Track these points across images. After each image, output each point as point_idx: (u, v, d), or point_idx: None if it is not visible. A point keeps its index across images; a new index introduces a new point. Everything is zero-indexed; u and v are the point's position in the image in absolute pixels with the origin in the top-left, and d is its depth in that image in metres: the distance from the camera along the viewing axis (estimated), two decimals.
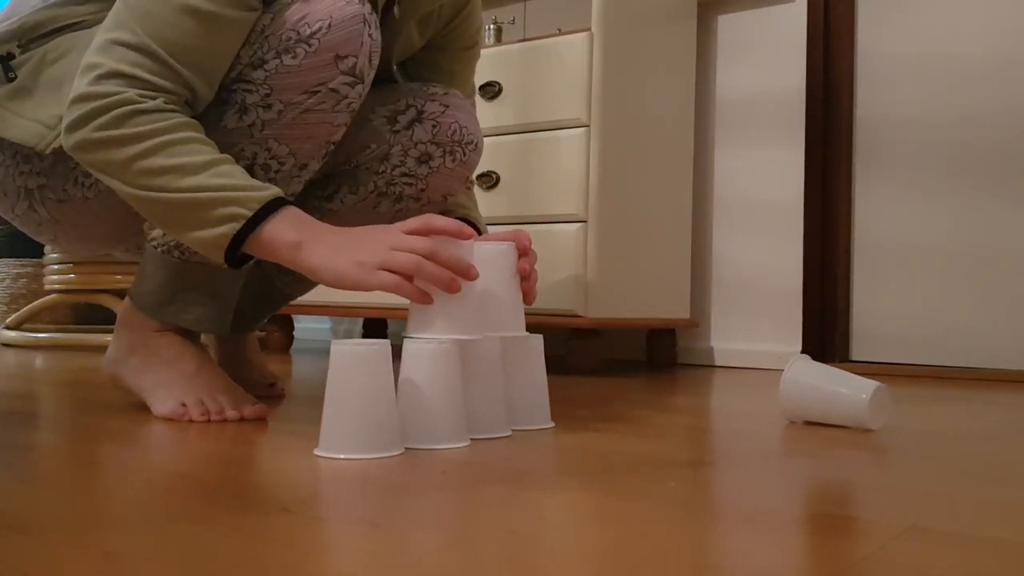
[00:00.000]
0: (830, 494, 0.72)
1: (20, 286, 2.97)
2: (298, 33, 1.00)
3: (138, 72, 0.94)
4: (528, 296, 1.07)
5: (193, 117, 0.98)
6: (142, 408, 1.13)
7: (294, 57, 1.00)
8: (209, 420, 1.05)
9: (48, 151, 1.03)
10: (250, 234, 0.92)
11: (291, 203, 0.95)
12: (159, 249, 1.09)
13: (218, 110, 1.02)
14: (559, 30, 2.10)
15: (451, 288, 0.91)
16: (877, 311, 2.07)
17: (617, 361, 2.29)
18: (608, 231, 1.84)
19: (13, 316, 2.60)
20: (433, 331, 0.93)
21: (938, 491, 0.73)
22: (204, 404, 1.07)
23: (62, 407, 1.19)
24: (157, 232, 1.09)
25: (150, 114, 0.93)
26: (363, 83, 1.04)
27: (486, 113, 1.95)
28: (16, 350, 2.35)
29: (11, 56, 1.08)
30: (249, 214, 0.92)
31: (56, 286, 2.51)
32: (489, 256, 1.03)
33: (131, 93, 0.93)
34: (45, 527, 0.57)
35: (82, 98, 0.93)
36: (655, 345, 2.17)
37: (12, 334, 2.50)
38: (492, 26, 2.22)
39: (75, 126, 0.94)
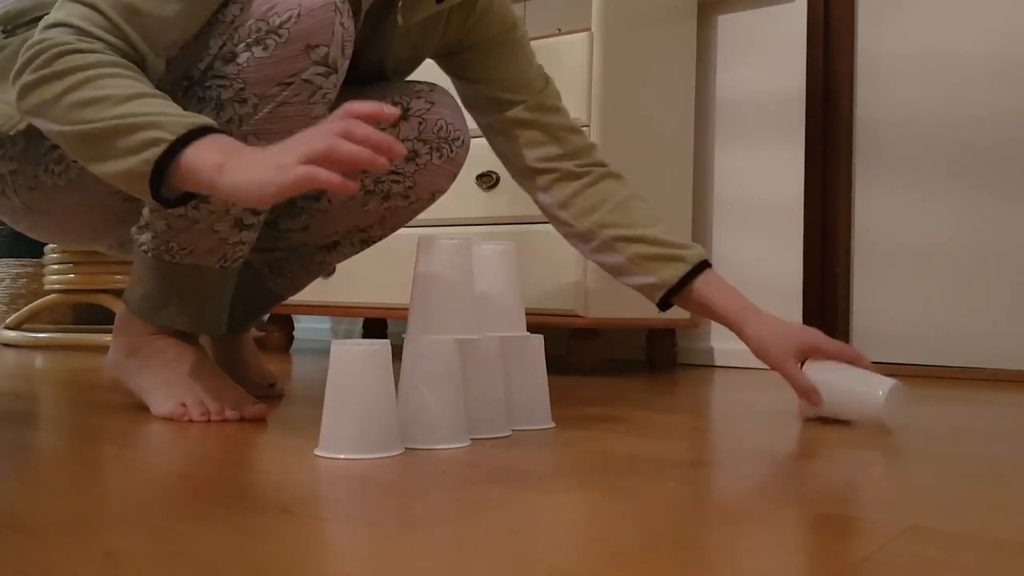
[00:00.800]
0: (830, 494, 0.72)
1: (20, 286, 2.97)
2: (267, 23, 0.98)
3: (84, 24, 0.92)
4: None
5: None
6: (142, 408, 1.13)
7: (264, 49, 0.98)
8: (209, 420, 1.05)
9: (13, 132, 1.03)
10: (172, 160, 0.87)
11: (222, 132, 0.90)
12: (149, 253, 1.08)
13: (195, 109, 1.02)
14: (559, 30, 2.10)
15: (375, 165, 0.82)
16: (877, 311, 2.07)
17: (617, 361, 2.29)
18: None
19: (13, 316, 2.60)
20: (433, 331, 0.93)
21: (938, 491, 0.73)
22: (204, 404, 1.07)
23: (62, 407, 1.19)
24: (146, 236, 1.08)
25: (84, 53, 0.91)
26: (336, 72, 1.02)
27: None
28: (16, 350, 2.35)
29: None
30: (172, 138, 0.86)
31: (56, 286, 2.51)
32: (489, 256, 1.03)
33: (70, 37, 0.91)
34: (45, 527, 0.57)
35: (26, 47, 0.92)
36: (655, 345, 2.17)
37: (12, 334, 2.50)
38: None
39: (17, 74, 0.93)
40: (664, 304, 1.22)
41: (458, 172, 1.26)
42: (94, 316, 3.04)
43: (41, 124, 0.93)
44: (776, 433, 1.04)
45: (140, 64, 0.96)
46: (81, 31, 0.92)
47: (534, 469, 0.79)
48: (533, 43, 1.91)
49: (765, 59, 2.17)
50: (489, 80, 1.25)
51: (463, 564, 0.50)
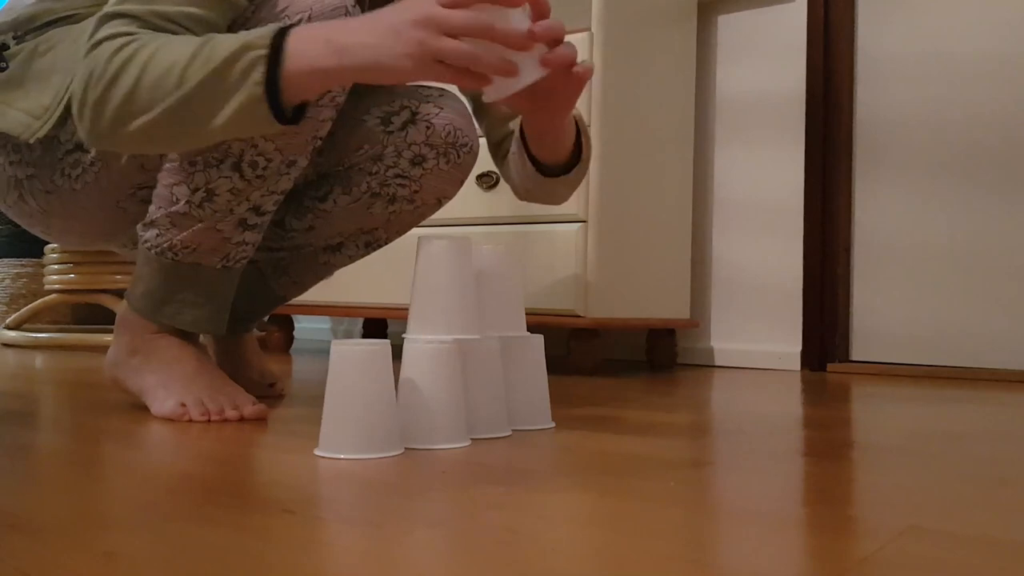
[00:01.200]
0: (830, 494, 0.72)
1: (20, 286, 2.97)
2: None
3: (122, 28, 0.92)
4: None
5: None
6: (142, 408, 1.13)
7: None
8: (209, 420, 1.05)
9: (33, 140, 1.04)
10: (279, 71, 0.86)
11: (294, 25, 0.90)
12: (153, 251, 1.08)
13: None
14: None
15: (511, 72, 0.86)
16: (877, 311, 2.07)
17: (617, 361, 2.29)
18: (608, 231, 1.84)
19: (13, 316, 2.60)
20: (433, 331, 0.93)
21: (938, 491, 0.73)
22: (204, 404, 1.07)
23: (62, 407, 1.19)
24: (150, 234, 1.08)
25: (129, 42, 0.91)
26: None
27: None
28: (16, 350, 2.35)
29: (5, 47, 1.09)
30: (265, 51, 0.85)
31: (56, 286, 2.51)
32: (489, 257, 1.03)
33: (105, 44, 0.91)
34: (45, 527, 0.57)
35: (78, 79, 0.93)
36: (655, 345, 2.16)
37: (12, 334, 2.50)
38: None
39: (81, 102, 0.92)
40: (535, 162, 1.19)
41: (465, 178, 1.26)
42: (94, 316, 3.04)
43: (129, 133, 0.91)
44: (776, 433, 1.04)
45: None
46: (124, 33, 0.92)
47: (534, 469, 0.79)
48: None
49: (765, 59, 2.17)
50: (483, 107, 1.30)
51: (463, 564, 0.50)
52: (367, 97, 1.20)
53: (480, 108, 1.31)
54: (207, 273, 1.09)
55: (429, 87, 1.24)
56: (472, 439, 0.94)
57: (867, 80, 2.09)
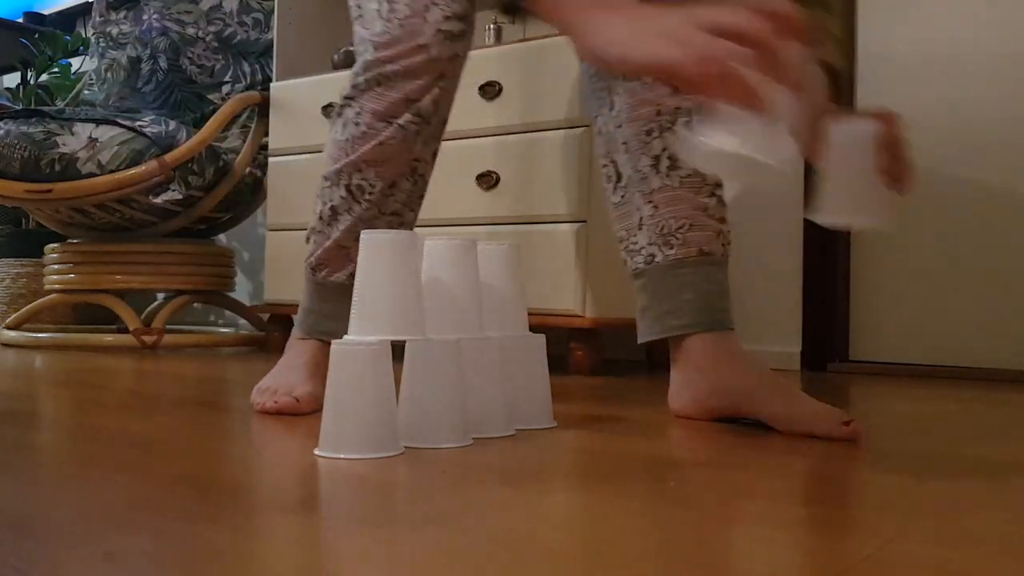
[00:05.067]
0: (830, 494, 0.72)
1: (20, 286, 2.98)
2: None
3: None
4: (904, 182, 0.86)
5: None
6: (142, 408, 1.13)
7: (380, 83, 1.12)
8: (266, 410, 1.12)
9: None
10: None
11: None
12: (307, 266, 1.22)
13: (336, 120, 1.18)
14: None
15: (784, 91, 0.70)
16: (877, 311, 2.07)
17: (617, 361, 2.29)
18: (608, 231, 1.84)
19: (13, 316, 2.60)
20: (434, 331, 0.93)
21: (937, 491, 0.73)
22: (268, 392, 1.14)
23: (62, 407, 1.19)
24: (309, 248, 1.22)
25: None
26: (430, 124, 1.14)
27: (487, 113, 1.95)
28: (16, 350, 2.35)
29: None
30: None
31: (56, 286, 2.51)
32: (491, 254, 1.03)
33: None
34: (45, 527, 0.57)
35: None
36: (655, 345, 2.16)
37: (12, 334, 2.50)
38: (492, 26, 2.22)
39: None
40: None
41: None
42: (94, 316, 3.04)
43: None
44: (776, 433, 1.04)
45: None
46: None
47: (535, 469, 0.79)
48: (534, 43, 1.91)
49: None
50: None
51: (463, 564, 0.50)
52: None
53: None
54: (337, 289, 1.20)
55: None
56: (473, 438, 0.94)
57: (867, 80, 2.09)
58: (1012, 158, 1.92)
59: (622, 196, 1.21)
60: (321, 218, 1.20)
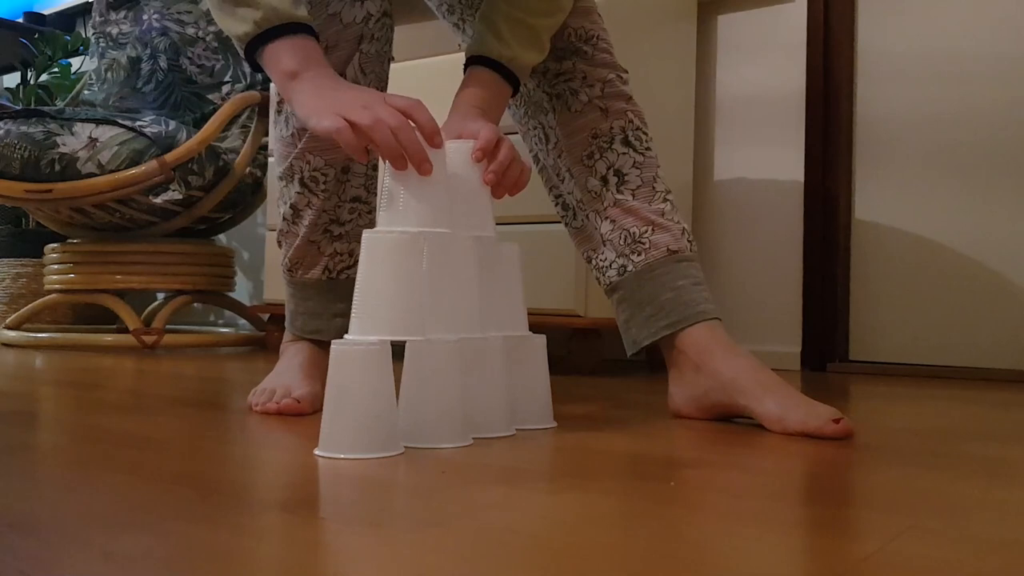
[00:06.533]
0: (830, 494, 0.72)
1: (20, 286, 2.97)
2: None
3: None
4: (496, 191, 1.04)
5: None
6: (142, 408, 1.13)
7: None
8: (264, 411, 1.12)
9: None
10: (260, 46, 0.98)
11: (309, 32, 1.00)
12: (283, 270, 1.24)
13: (277, 119, 1.18)
14: None
15: (395, 162, 0.92)
16: (877, 311, 2.07)
17: (617, 361, 2.29)
18: None
19: (13, 316, 2.60)
20: (434, 331, 0.93)
21: (938, 491, 0.73)
22: (267, 394, 1.14)
23: (62, 407, 1.19)
24: (282, 253, 1.23)
25: None
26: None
27: None
28: (16, 350, 2.35)
29: None
30: (258, 31, 0.97)
31: (56, 286, 2.51)
32: (492, 255, 1.03)
33: None
34: (45, 527, 0.57)
35: None
36: (655, 345, 2.16)
37: (12, 334, 2.50)
38: None
39: None
40: None
41: None
42: (94, 316, 3.04)
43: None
44: (775, 433, 1.04)
45: None
46: None
47: (535, 469, 0.79)
48: None
49: (765, 59, 2.17)
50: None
51: (463, 564, 0.50)
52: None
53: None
54: (315, 286, 1.21)
55: None
56: (473, 438, 0.94)
57: (867, 79, 2.09)
58: (1012, 158, 1.92)
59: (582, 221, 1.23)
60: (285, 219, 1.21)
